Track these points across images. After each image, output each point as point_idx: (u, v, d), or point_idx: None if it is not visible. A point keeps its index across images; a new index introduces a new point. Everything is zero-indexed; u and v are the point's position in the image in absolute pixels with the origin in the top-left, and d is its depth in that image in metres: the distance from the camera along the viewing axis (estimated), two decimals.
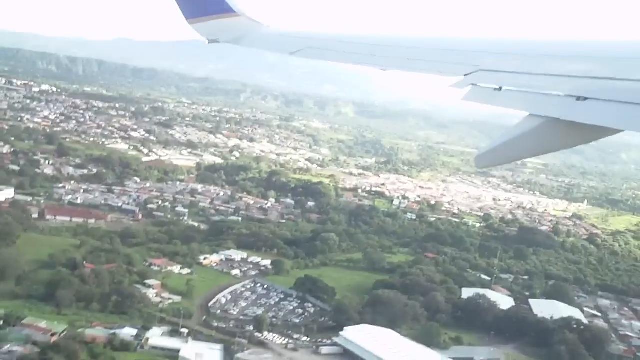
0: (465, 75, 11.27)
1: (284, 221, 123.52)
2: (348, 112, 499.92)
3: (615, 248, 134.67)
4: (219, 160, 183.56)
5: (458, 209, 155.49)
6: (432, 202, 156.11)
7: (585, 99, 8.58)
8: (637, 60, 10.12)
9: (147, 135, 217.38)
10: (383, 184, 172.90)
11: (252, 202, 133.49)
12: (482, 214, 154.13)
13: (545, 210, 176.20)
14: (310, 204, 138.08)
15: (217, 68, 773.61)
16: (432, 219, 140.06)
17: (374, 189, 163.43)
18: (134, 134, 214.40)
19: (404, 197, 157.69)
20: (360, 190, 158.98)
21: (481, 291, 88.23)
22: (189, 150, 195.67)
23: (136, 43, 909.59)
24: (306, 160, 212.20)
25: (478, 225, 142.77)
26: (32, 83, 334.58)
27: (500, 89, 10.31)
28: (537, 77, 10.63)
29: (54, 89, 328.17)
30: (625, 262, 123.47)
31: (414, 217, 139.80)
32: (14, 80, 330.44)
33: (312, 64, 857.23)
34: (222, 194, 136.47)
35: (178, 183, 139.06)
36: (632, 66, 9.83)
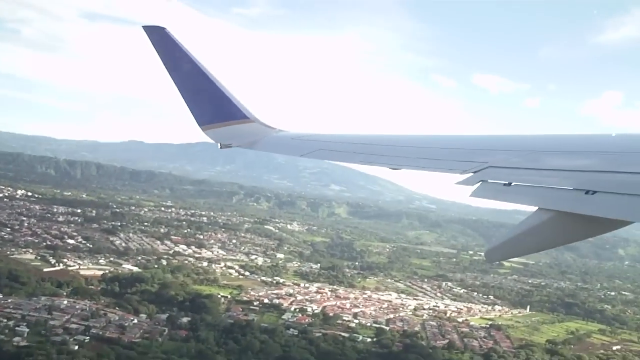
0: (474, 172, 11.47)
1: (137, 340, 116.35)
2: (341, 213, 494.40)
3: None
4: (136, 269, 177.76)
5: (359, 322, 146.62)
6: (330, 315, 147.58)
7: (594, 192, 8.88)
8: None
9: (83, 242, 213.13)
10: (291, 295, 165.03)
11: (117, 318, 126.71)
12: (386, 328, 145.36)
13: (466, 319, 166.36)
14: (185, 319, 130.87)
15: (225, 170, 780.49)
16: (317, 334, 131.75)
17: (276, 300, 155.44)
18: (70, 241, 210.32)
19: (302, 310, 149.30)
20: (257, 303, 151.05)
21: None
22: (112, 258, 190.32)
23: (147, 145, 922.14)
24: (240, 267, 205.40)
25: (369, 340, 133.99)
26: (9, 188, 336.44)
27: (509, 184, 10.58)
28: (546, 172, 11.05)
29: (29, 194, 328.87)
30: None
31: (296, 332, 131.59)
32: None
33: (320, 165, 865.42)
34: (92, 309, 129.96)
35: (43, 298, 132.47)
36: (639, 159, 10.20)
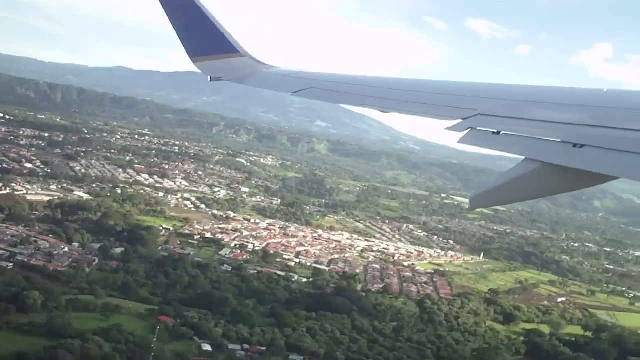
0: (463, 119, 11.48)
1: (63, 269, 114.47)
2: (321, 150, 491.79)
3: (438, 314, 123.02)
4: (87, 197, 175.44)
5: (299, 261, 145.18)
6: (271, 252, 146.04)
7: (582, 145, 9.01)
8: (634, 110, 10.51)
9: (41, 167, 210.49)
10: (236, 230, 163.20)
11: (47, 245, 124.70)
12: (326, 269, 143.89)
13: (413, 264, 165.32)
14: (118, 250, 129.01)
15: (211, 100, 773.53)
16: (252, 272, 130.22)
17: (220, 235, 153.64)
18: (27, 165, 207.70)
19: (242, 246, 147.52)
20: (198, 237, 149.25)
21: None
22: (65, 185, 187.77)
23: (134, 72, 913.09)
24: (197, 199, 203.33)
25: (304, 280, 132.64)
26: None
27: (498, 132, 10.55)
28: (535, 123, 11.00)
29: (1, 115, 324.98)
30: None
31: (229, 269, 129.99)
32: None
33: (308, 100, 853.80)
34: (23, 235, 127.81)
35: None
36: (629, 116, 10.27)
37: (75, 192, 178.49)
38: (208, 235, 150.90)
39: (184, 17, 20.63)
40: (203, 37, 20.85)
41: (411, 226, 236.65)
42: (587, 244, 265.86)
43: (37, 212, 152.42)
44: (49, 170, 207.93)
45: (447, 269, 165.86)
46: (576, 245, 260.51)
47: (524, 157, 9.51)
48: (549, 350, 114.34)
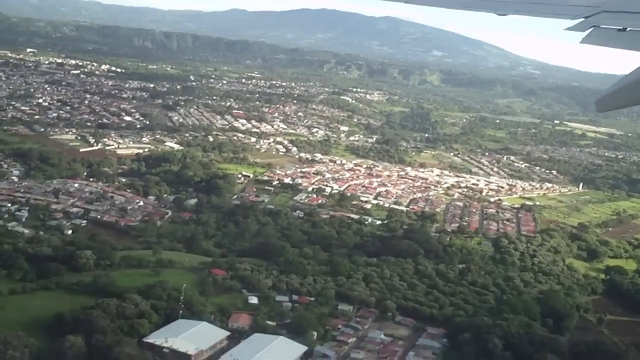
0: (586, 17, 10.95)
1: (135, 224, 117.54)
2: (433, 81, 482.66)
3: (511, 254, 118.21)
4: (177, 147, 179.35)
5: (377, 203, 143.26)
6: (348, 195, 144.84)
7: None
8: None
9: (140, 119, 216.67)
10: (318, 173, 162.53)
11: (123, 200, 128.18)
12: (404, 209, 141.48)
13: (500, 199, 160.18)
14: (192, 201, 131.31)
15: (325, 37, 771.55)
16: (324, 216, 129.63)
17: (299, 180, 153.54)
18: (126, 118, 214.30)
19: (319, 190, 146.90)
20: (277, 182, 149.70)
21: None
22: (159, 136, 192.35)
23: (249, 14, 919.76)
24: (290, 142, 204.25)
25: (378, 223, 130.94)
26: (94, 63, 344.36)
27: (624, 29, 9.99)
28: None
29: (113, 69, 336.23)
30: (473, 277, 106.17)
31: (301, 214, 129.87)
32: (74, 62, 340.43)
33: (423, 30, 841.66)
34: (101, 192, 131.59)
35: (55, 181, 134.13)
36: None
37: (166, 143, 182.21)
38: (287, 180, 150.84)
39: None
40: None
41: (512, 157, 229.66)
42: None
43: (124, 166, 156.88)
44: (147, 122, 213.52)
45: (537, 203, 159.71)
46: None
47: None
48: (629, 288, 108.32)
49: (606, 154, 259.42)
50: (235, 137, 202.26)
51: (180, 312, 75.59)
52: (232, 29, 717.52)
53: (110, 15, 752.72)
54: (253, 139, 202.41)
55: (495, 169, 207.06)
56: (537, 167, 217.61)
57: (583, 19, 10.87)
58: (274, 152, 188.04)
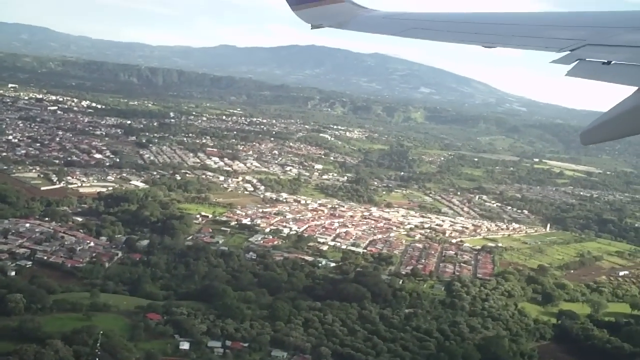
0: (572, 50, 11.08)
1: (82, 265, 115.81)
2: (417, 118, 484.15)
3: (463, 298, 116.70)
4: (143, 186, 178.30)
5: (334, 244, 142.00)
6: (306, 236, 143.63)
7: None
8: None
9: (111, 156, 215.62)
10: (279, 214, 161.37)
11: (73, 241, 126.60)
12: (361, 251, 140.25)
13: (462, 241, 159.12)
14: (144, 242, 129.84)
15: (314, 73, 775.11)
16: (278, 258, 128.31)
17: (259, 220, 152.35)
18: (96, 155, 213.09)
19: (276, 231, 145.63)
20: (235, 223, 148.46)
21: None
22: (126, 174, 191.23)
23: (238, 50, 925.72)
24: (259, 181, 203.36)
25: (332, 265, 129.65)
26: (75, 99, 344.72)
27: (608, 62, 10.12)
28: None
29: (94, 105, 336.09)
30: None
31: (254, 256, 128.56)
32: (54, 97, 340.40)
33: (411, 67, 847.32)
34: (52, 232, 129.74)
35: (6, 221, 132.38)
36: None
37: (132, 182, 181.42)
38: (246, 220, 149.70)
39: None
40: None
41: (484, 197, 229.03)
42: None
43: (85, 205, 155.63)
44: (117, 160, 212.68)
45: (500, 244, 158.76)
46: None
47: (636, 88, 9.05)
48: (578, 333, 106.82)
49: (581, 193, 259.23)
50: (203, 176, 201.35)
51: (97, 359, 74.07)
52: (220, 64, 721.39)
53: (98, 51, 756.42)
54: (221, 178, 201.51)
55: (465, 209, 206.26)
56: (509, 207, 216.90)
57: (569, 52, 11.06)
58: (239, 192, 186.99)
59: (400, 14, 19.50)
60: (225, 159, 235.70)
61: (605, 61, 10.25)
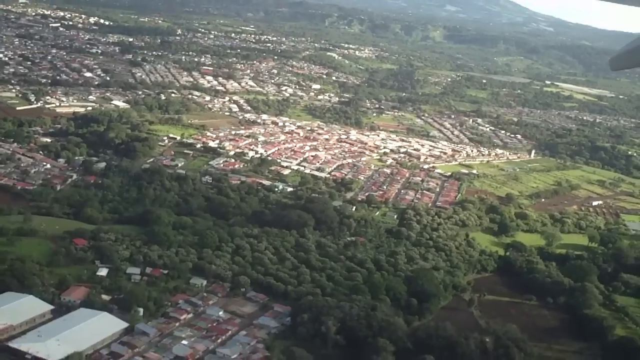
0: None
1: (32, 188, 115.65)
2: (436, 37, 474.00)
3: (412, 227, 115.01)
4: (124, 106, 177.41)
5: (298, 169, 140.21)
6: (269, 159, 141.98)
7: None
8: None
9: (102, 75, 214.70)
10: (250, 136, 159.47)
11: (29, 163, 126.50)
12: (323, 176, 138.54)
13: (434, 167, 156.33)
14: (101, 165, 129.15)
15: None
16: (235, 182, 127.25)
17: (227, 143, 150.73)
18: (87, 74, 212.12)
19: (240, 155, 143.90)
20: (200, 145, 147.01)
21: None
22: (110, 93, 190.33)
23: None
24: (246, 101, 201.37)
25: (289, 190, 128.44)
26: (83, 15, 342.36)
27: None
28: None
29: (101, 21, 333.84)
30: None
31: (210, 180, 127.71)
32: (62, 13, 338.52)
33: None
34: (9, 153, 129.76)
35: None
36: None
37: (113, 102, 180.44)
38: (214, 143, 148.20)
39: None
40: None
41: (480, 120, 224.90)
42: None
43: (58, 125, 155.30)
44: (108, 78, 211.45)
45: (475, 171, 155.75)
46: None
47: None
48: (522, 266, 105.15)
49: (585, 118, 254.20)
50: (190, 96, 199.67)
51: None
52: None
53: None
54: (207, 98, 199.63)
55: (455, 133, 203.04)
56: (503, 131, 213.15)
57: None
58: (221, 113, 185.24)
59: None
60: (220, 78, 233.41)
61: None
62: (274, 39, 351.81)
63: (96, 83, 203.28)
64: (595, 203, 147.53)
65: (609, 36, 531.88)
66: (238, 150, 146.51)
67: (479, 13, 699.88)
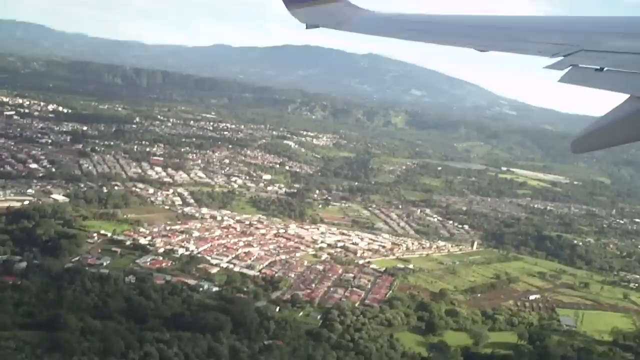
0: (565, 55, 11.14)
1: None
2: (397, 123, 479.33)
3: (334, 328, 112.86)
4: (62, 199, 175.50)
5: (227, 266, 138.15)
6: (199, 257, 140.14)
7: None
8: None
9: (48, 166, 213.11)
10: (184, 232, 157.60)
11: None
12: (252, 274, 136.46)
13: (369, 262, 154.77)
14: (22, 264, 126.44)
15: (307, 74, 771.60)
16: (160, 282, 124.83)
17: (159, 239, 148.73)
18: (32, 165, 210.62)
19: (169, 252, 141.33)
20: (129, 243, 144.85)
21: None
22: (51, 186, 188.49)
23: (233, 49, 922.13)
24: (190, 194, 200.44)
25: (214, 289, 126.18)
26: (42, 103, 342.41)
27: (601, 69, 10.17)
28: None
29: (60, 109, 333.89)
30: None
31: (134, 279, 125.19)
32: (21, 101, 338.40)
33: (404, 68, 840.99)
34: None
35: None
36: None
37: (52, 195, 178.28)
38: (145, 240, 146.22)
39: None
40: None
41: (428, 210, 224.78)
42: (638, 220, 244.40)
43: None
44: (53, 170, 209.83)
45: (411, 266, 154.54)
46: (623, 221, 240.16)
47: (629, 96, 8.91)
48: None
49: (536, 206, 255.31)
50: (133, 188, 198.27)
51: None
52: (213, 64, 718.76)
53: (92, 49, 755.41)
54: (151, 190, 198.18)
55: (401, 224, 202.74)
56: (450, 222, 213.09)
57: (562, 57, 10.98)
58: (161, 206, 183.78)
59: (395, 15, 19.60)
60: (169, 169, 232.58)
61: (599, 67, 10.16)
62: (233, 126, 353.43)
63: (40, 175, 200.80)
64: (532, 297, 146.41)
65: (570, 119, 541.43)
66: (168, 247, 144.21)
67: (444, 97, 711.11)
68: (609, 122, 8.88)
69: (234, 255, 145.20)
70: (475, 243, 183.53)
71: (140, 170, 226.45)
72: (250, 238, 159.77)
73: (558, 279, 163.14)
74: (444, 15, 18.75)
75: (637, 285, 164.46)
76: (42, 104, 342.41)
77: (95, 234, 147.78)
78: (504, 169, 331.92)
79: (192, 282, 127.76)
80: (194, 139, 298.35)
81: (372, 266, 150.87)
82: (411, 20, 18.44)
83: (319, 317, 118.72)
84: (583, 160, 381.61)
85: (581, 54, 10.96)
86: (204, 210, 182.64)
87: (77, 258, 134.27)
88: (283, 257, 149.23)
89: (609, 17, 13.86)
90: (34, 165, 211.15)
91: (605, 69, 10.10)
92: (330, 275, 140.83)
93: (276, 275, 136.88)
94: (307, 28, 20.03)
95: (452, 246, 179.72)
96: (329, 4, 20.66)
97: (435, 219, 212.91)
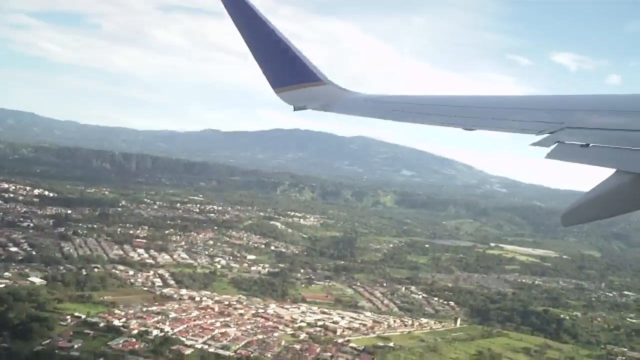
0: (550, 132, 11.48)
1: None
2: (386, 202, 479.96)
3: None
4: (40, 282, 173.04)
5: (202, 347, 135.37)
6: (173, 338, 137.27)
7: None
8: None
9: (28, 250, 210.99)
10: (160, 313, 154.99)
11: None
12: (227, 354, 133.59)
13: (348, 340, 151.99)
14: None
15: (297, 157, 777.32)
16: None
17: (134, 321, 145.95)
18: (12, 249, 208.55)
19: (142, 334, 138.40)
20: (103, 325, 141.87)
21: None
22: (29, 269, 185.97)
23: (222, 135, 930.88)
24: (170, 275, 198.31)
25: None
26: (28, 187, 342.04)
27: (587, 145, 10.48)
28: (627, 133, 10.69)
29: (46, 193, 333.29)
30: None
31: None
32: (6, 186, 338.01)
33: (394, 149, 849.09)
34: None
35: None
36: None
37: (30, 278, 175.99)
38: (120, 322, 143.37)
39: (266, 48, 20.63)
40: (285, 67, 20.85)
41: (413, 288, 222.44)
42: (627, 293, 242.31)
43: None
44: (33, 253, 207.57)
45: (392, 344, 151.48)
46: (612, 294, 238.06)
47: (614, 170, 9.22)
48: None
49: (523, 281, 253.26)
50: (113, 270, 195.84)
51: None
52: (203, 149, 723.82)
53: (83, 135, 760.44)
54: (131, 272, 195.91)
55: (385, 302, 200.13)
56: (435, 298, 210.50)
57: (548, 135, 11.20)
58: (140, 287, 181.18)
59: (381, 96, 19.83)
60: (152, 251, 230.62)
61: (584, 144, 10.39)
62: (220, 208, 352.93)
63: (19, 258, 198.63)
64: None
65: (560, 195, 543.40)
66: (143, 328, 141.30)
67: (434, 177, 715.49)
68: (597, 195, 9.16)
69: (209, 336, 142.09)
70: (459, 319, 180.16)
71: (122, 252, 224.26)
72: (227, 318, 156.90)
73: (543, 354, 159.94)
74: (429, 95, 18.80)
75: (623, 358, 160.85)
76: (27, 188, 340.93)
77: (68, 317, 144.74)
78: (493, 245, 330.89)
79: None
80: (179, 221, 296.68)
81: (351, 344, 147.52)
82: (396, 102, 18.65)
83: None
84: (573, 235, 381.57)
85: (566, 131, 11.29)
86: (183, 291, 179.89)
87: (47, 341, 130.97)
88: (260, 336, 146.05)
89: (591, 95, 14.36)
90: (13, 249, 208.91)
91: (590, 144, 10.37)
92: (307, 355, 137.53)
93: (252, 355, 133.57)
94: (294, 110, 20.30)
95: (434, 323, 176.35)
96: (315, 86, 20.84)
97: (420, 296, 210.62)
